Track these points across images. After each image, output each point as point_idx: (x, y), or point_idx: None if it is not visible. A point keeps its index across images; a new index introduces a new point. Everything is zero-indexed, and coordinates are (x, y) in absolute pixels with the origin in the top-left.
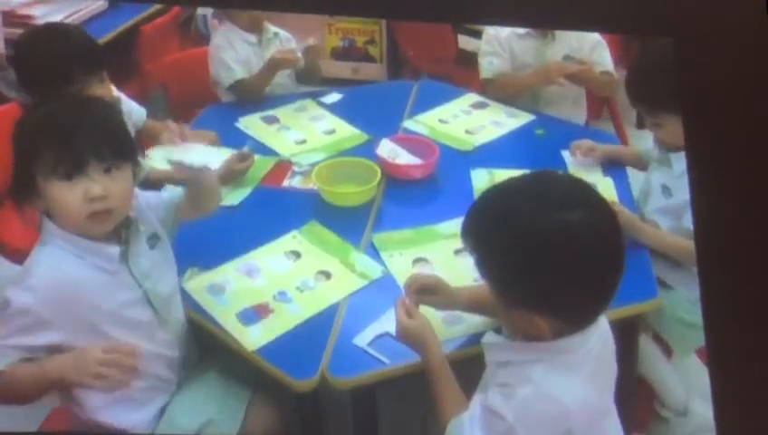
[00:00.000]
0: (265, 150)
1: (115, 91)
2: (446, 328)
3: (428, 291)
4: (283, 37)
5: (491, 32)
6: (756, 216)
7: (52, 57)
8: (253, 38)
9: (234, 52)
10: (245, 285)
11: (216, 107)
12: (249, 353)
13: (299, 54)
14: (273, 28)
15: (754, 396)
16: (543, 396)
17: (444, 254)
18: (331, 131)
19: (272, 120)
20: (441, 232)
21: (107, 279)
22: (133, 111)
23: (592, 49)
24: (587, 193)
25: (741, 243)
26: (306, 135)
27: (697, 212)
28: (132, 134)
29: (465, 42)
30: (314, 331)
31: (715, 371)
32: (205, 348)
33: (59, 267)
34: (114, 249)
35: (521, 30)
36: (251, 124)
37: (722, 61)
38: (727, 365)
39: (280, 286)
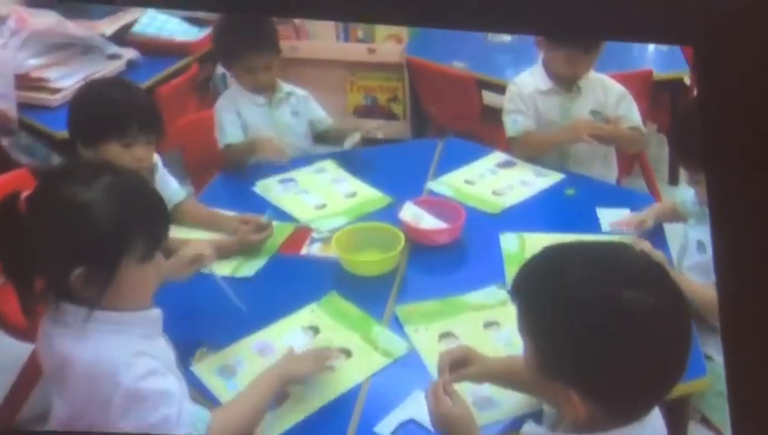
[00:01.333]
0: (283, 216)
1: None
2: (478, 414)
3: (461, 364)
4: (299, 96)
5: (513, 89)
6: None
7: (113, 105)
8: (261, 99)
9: (232, 114)
10: (259, 365)
11: (227, 175)
12: None
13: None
14: (287, 87)
15: None
16: None
17: (472, 327)
18: (352, 194)
19: (289, 183)
20: (469, 303)
21: None
22: (171, 186)
23: (618, 102)
24: (662, 276)
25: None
26: (326, 199)
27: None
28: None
29: (489, 97)
30: (333, 418)
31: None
32: None
33: None
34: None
35: (543, 86)
36: (267, 188)
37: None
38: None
39: None
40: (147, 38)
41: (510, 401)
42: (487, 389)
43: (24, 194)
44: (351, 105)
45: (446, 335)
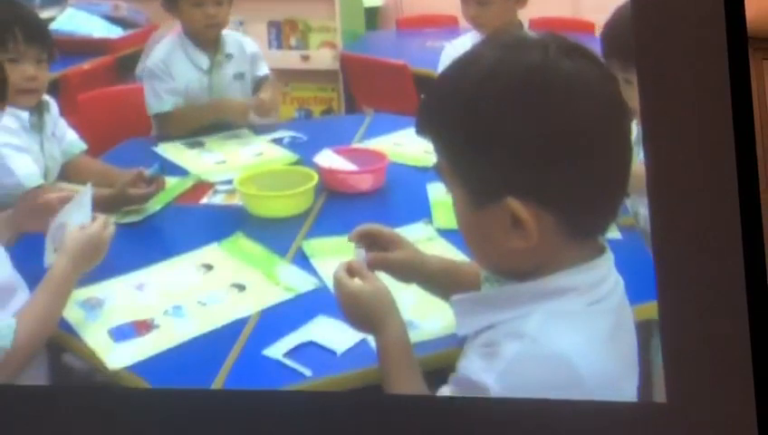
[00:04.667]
0: (179, 172)
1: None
2: None
3: (384, 246)
4: (246, 53)
5: (449, 50)
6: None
7: None
8: (202, 61)
9: (166, 79)
10: (131, 299)
11: (138, 140)
12: (108, 373)
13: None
14: (232, 40)
15: None
16: (541, 354)
17: None
18: (258, 154)
19: (195, 145)
20: None
21: None
22: (68, 136)
23: None
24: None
25: None
26: (227, 157)
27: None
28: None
29: None
30: (210, 347)
31: None
32: None
33: None
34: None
35: None
36: (170, 149)
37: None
38: None
39: (176, 301)
40: (63, 35)
41: (433, 323)
42: (406, 312)
43: None
44: (283, 118)
45: None
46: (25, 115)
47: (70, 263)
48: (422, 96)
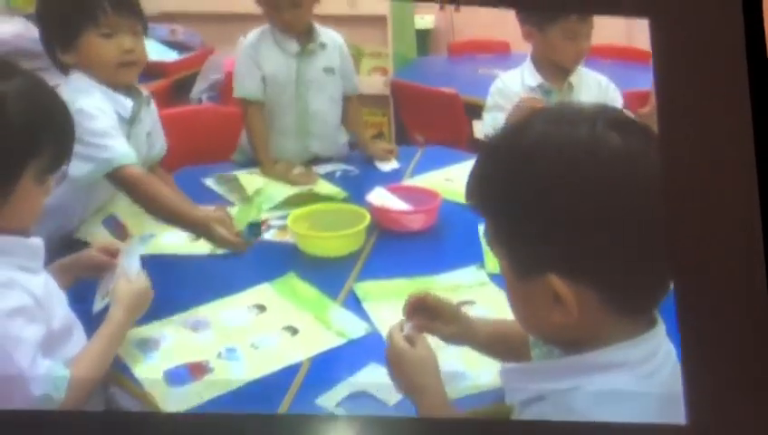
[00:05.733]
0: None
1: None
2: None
3: (433, 314)
4: (340, 48)
5: (498, 85)
6: None
7: None
8: (292, 47)
9: (251, 65)
10: (189, 340)
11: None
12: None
13: None
14: (326, 34)
15: None
16: None
17: None
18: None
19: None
20: (441, 284)
21: None
22: (158, 145)
23: (615, 103)
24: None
25: None
26: (275, 187)
27: None
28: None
29: (480, 128)
30: (264, 393)
31: None
32: None
33: None
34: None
35: (532, 82)
36: (218, 181)
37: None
38: None
39: (230, 343)
40: None
41: (484, 374)
42: (457, 362)
43: None
44: None
45: None
46: (129, 105)
47: (125, 314)
48: (474, 164)
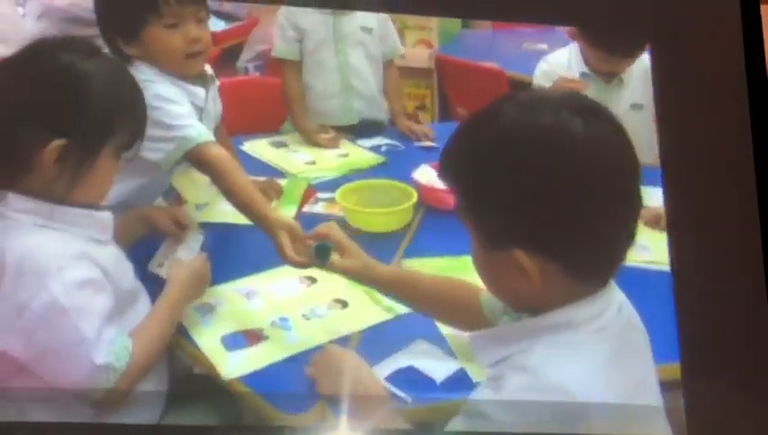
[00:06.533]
0: (273, 172)
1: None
2: None
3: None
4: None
5: (544, 67)
6: None
7: None
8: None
9: (287, 26)
10: (241, 307)
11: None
12: (225, 382)
13: None
14: None
15: None
16: (542, 385)
17: None
18: (344, 155)
19: (279, 145)
20: None
21: None
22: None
23: None
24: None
25: None
26: (316, 157)
27: None
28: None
29: None
30: None
31: None
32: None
33: None
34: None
35: (579, 69)
36: (257, 148)
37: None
38: None
39: (282, 312)
40: None
41: None
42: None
43: None
44: None
45: None
46: (201, 94)
47: (181, 292)
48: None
